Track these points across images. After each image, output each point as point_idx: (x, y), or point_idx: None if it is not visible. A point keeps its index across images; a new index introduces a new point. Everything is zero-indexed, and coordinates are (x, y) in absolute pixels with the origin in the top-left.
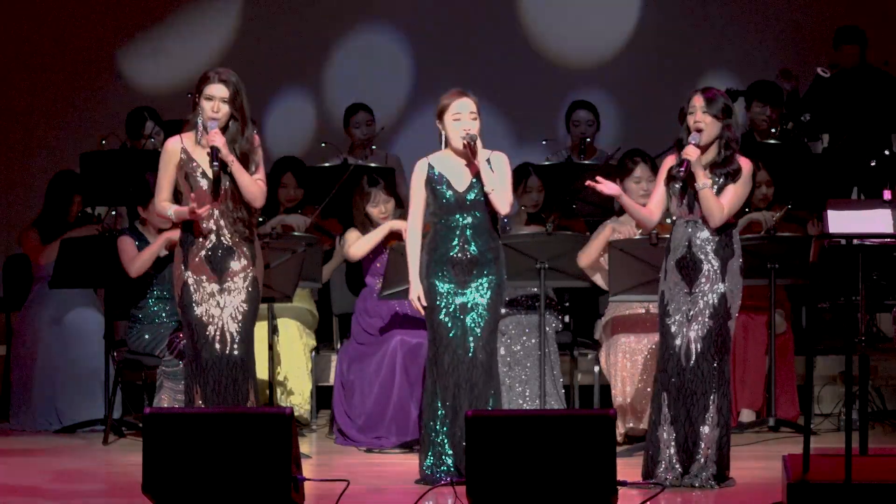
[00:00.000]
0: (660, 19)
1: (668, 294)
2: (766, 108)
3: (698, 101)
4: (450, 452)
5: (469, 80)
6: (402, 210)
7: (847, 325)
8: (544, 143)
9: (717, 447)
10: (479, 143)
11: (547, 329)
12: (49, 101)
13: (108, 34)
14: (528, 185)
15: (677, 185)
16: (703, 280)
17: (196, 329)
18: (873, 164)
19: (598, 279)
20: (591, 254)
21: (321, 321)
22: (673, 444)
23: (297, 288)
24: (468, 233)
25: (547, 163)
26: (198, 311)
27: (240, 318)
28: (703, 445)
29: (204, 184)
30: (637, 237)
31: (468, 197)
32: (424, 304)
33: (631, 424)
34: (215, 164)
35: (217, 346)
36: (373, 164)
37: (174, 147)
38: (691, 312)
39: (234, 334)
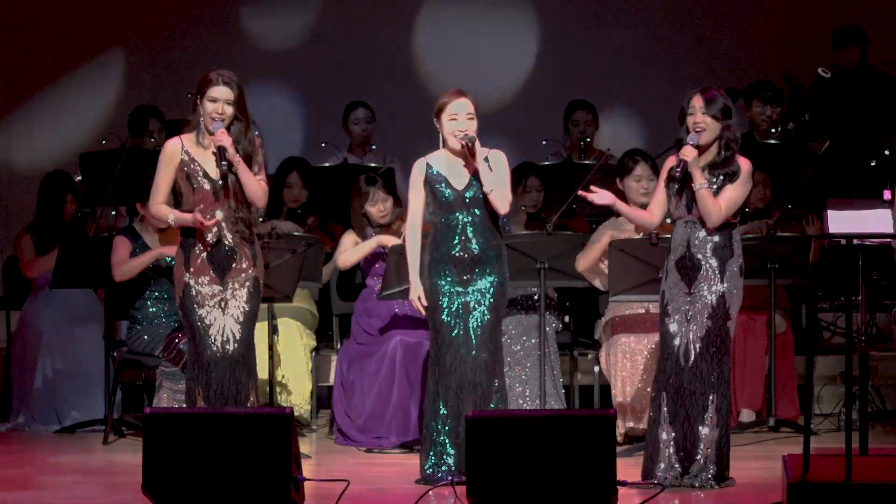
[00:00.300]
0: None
1: (669, 294)
2: (766, 108)
3: (698, 102)
4: (451, 452)
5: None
6: (401, 209)
7: (847, 325)
8: (544, 143)
9: (717, 447)
10: (477, 143)
11: (547, 329)
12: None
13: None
14: (528, 185)
15: (675, 186)
16: (702, 280)
17: (198, 331)
18: (873, 164)
19: (598, 283)
20: (588, 260)
21: (321, 321)
22: (672, 444)
23: (297, 288)
24: (469, 231)
25: (547, 163)
26: (200, 312)
27: (242, 318)
28: (702, 446)
29: (206, 185)
30: (637, 237)
31: (467, 195)
32: (425, 303)
33: (631, 424)
34: (224, 163)
35: (220, 347)
36: (372, 164)
37: (174, 148)
38: (690, 313)
39: (237, 335)
